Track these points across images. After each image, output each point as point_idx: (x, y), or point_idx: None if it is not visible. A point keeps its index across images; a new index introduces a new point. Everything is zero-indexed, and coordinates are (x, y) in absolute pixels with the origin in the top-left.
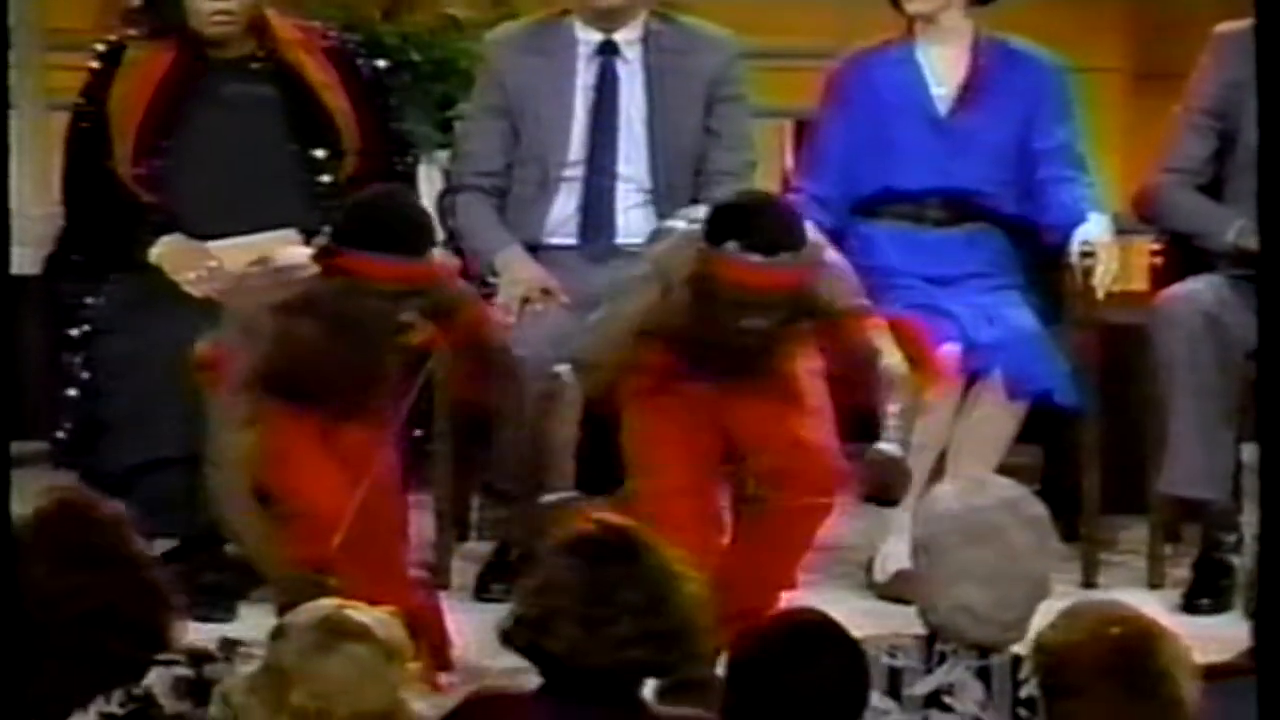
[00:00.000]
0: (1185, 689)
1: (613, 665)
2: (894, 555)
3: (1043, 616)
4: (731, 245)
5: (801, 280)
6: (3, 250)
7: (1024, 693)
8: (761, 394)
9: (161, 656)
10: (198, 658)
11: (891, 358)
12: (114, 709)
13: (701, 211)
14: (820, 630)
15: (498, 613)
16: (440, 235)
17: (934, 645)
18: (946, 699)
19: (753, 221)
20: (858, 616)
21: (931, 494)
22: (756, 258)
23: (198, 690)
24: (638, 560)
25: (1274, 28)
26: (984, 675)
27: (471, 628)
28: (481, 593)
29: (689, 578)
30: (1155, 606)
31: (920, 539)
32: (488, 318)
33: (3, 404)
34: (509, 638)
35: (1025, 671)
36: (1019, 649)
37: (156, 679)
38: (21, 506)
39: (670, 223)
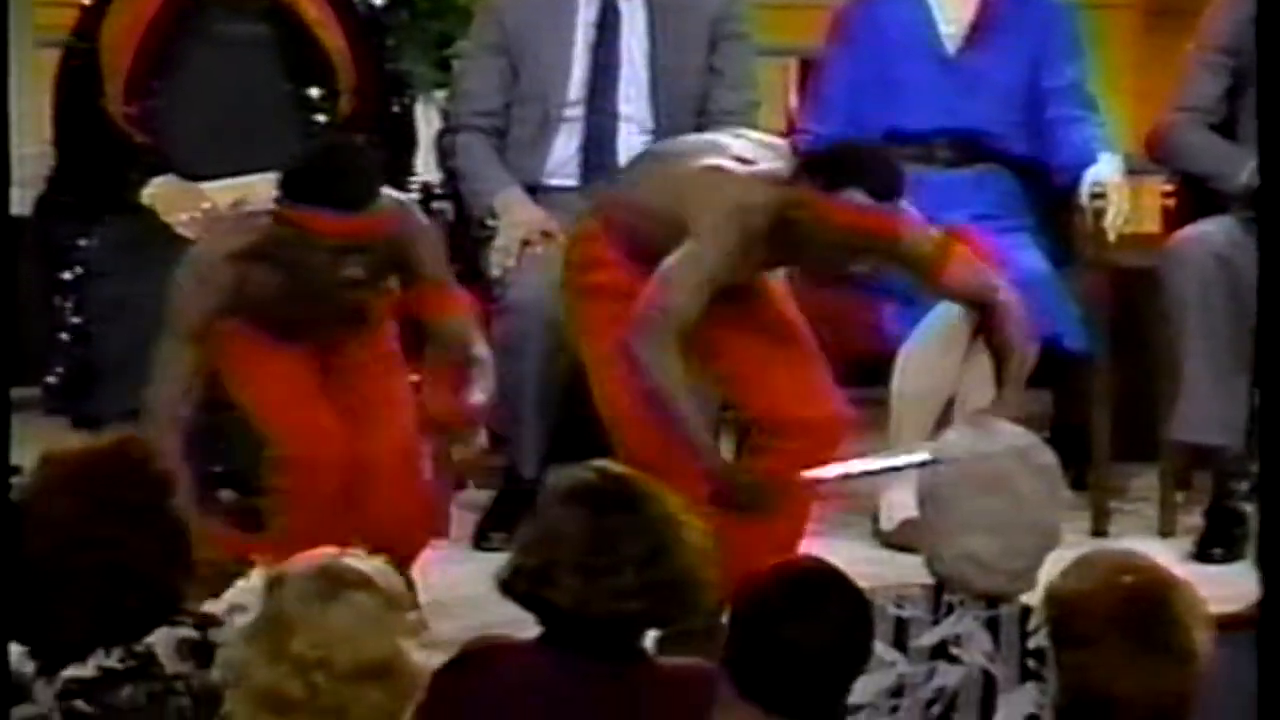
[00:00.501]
0: (1198, 639)
1: (614, 616)
2: (900, 503)
3: (1052, 566)
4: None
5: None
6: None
7: (1032, 644)
8: (754, 337)
9: (169, 617)
10: (204, 620)
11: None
12: (113, 663)
13: None
14: (824, 580)
15: (496, 562)
16: (439, 176)
17: (941, 595)
18: (954, 650)
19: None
20: (863, 565)
21: (939, 441)
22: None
23: (201, 652)
24: (639, 510)
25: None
26: (992, 626)
27: (470, 577)
28: (481, 542)
29: (691, 527)
30: (1166, 555)
31: (927, 487)
32: (455, 303)
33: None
34: (509, 587)
35: (1034, 622)
36: (1027, 599)
37: (159, 638)
38: (15, 454)
39: None
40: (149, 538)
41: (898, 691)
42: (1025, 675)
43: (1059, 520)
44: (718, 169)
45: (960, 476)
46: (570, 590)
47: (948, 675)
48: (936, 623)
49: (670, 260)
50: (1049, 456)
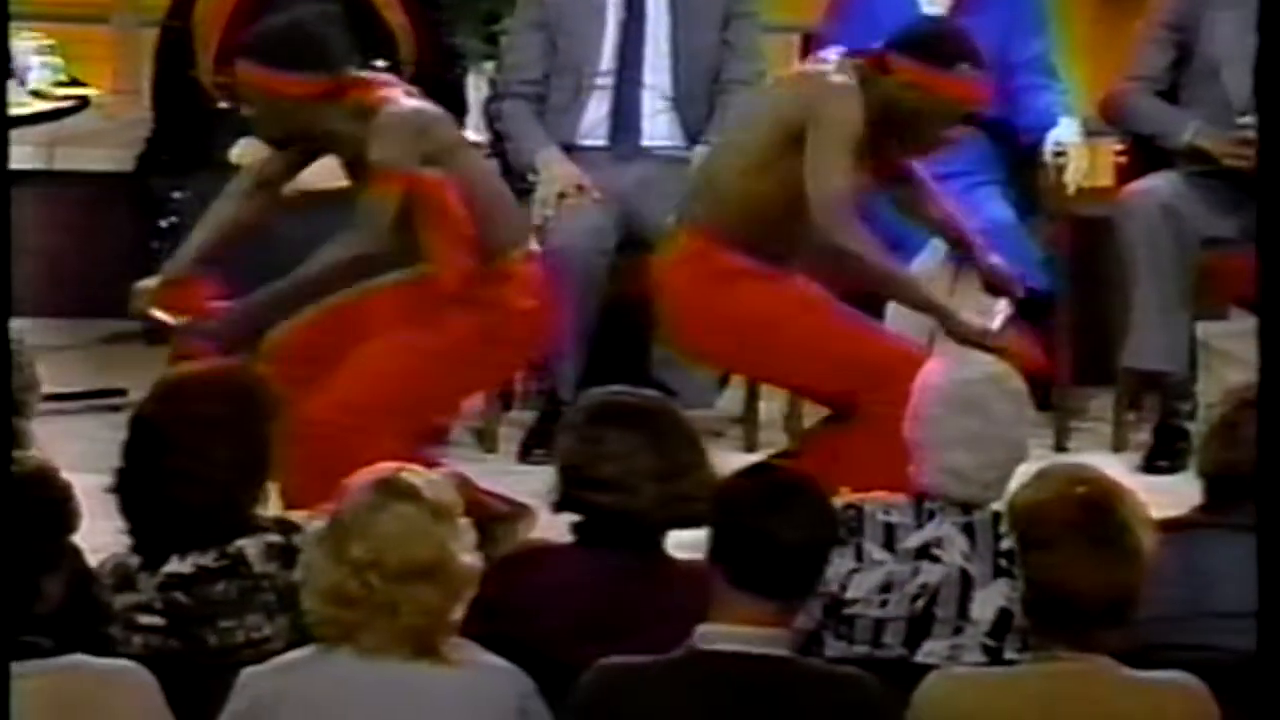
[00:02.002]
0: (1143, 540)
1: (639, 516)
2: None
3: (1019, 477)
4: None
5: None
6: (3, 205)
7: (1004, 545)
8: None
9: (257, 524)
10: (288, 527)
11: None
12: (208, 562)
13: None
14: (794, 482)
15: (538, 474)
16: (485, 135)
17: (923, 504)
18: (935, 551)
19: None
20: None
21: (923, 370)
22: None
23: (285, 555)
24: (661, 428)
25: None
26: (968, 530)
27: (516, 486)
28: (525, 456)
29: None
30: (1118, 468)
31: (912, 409)
32: (378, 185)
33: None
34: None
35: (1004, 526)
36: (998, 506)
37: (249, 543)
38: (121, 379)
39: None
40: (231, 451)
41: (887, 587)
42: (998, 573)
43: (1027, 438)
44: (819, 73)
45: (941, 399)
46: (607, 495)
47: (930, 573)
48: (920, 527)
49: (809, 162)
50: (1018, 382)
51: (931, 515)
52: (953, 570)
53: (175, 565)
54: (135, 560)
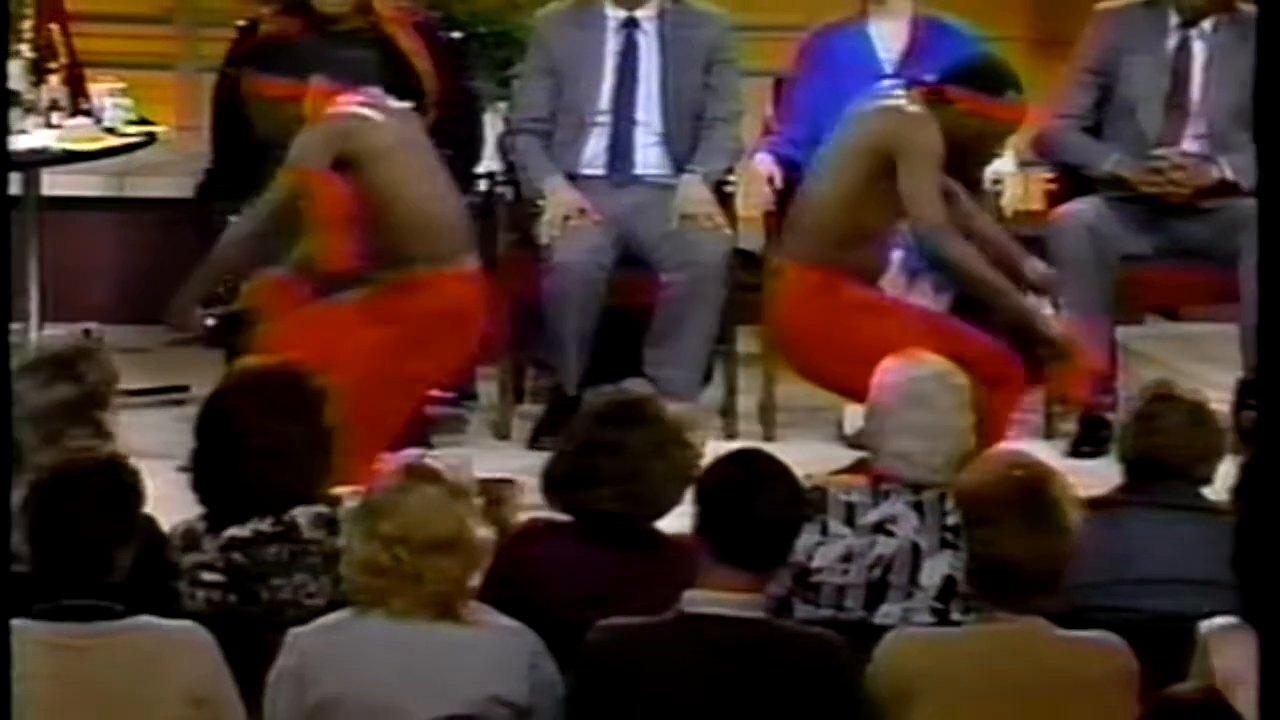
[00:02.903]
0: (1072, 517)
1: (623, 507)
2: (856, 415)
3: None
4: None
5: None
6: (3, 218)
7: (948, 521)
8: None
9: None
10: (332, 500)
11: None
12: (265, 527)
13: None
14: (769, 464)
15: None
16: (501, 167)
17: (879, 485)
18: (889, 526)
19: None
20: (830, 459)
21: (880, 369)
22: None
23: (330, 524)
24: (649, 424)
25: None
26: (918, 508)
27: (526, 470)
28: (534, 444)
29: (690, 438)
30: (1049, 454)
31: (871, 402)
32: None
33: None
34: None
35: (949, 505)
36: (945, 488)
37: (300, 512)
38: (185, 378)
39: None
40: (299, 432)
41: (848, 558)
42: (944, 545)
43: (969, 427)
44: (897, 107)
45: (894, 394)
46: (597, 493)
47: (885, 546)
48: (876, 506)
49: (908, 189)
50: (962, 379)
51: (886, 495)
52: (905, 543)
53: (236, 530)
54: (202, 525)
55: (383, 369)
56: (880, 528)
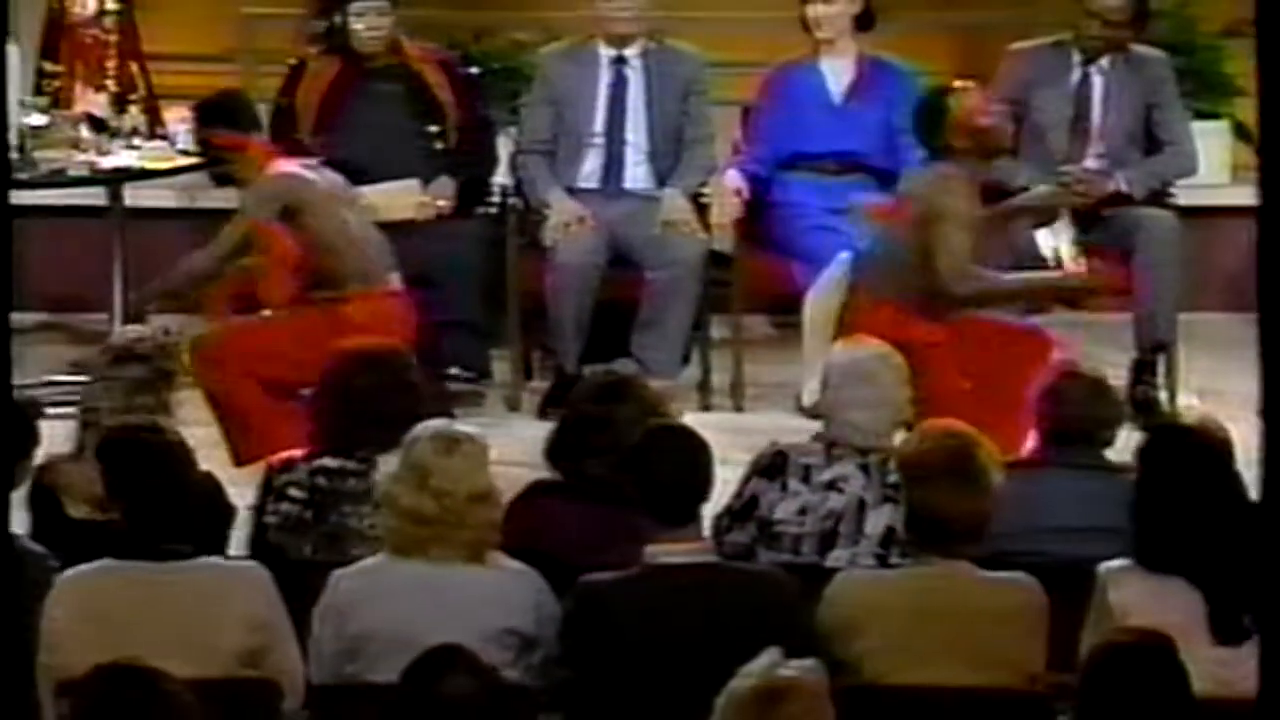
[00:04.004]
0: (995, 478)
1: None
2: (813, 390)
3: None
4: None
5: None
6: (5, 226)
7: (890, 480)
8: None
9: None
10: None
11: None
12: (351, 464)
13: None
14: (682, 433)
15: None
16: (512, 182)
17: (831, 450)
18: (840, 485)
19: None
20: (790, 429)
21: (831, 350)
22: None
23: None
24: (635, 400)
25: (1274, 27)
26: (864, 469)
27: (535, 436)
28: (542, 415)
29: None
30: None
31: (823, 379)
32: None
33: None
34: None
35: (890, 466)
36: (887, 452)
37: (384, 460)
38: None
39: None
40: (396, 399)
41: (803, 511)
42: (886, 500)
43: (907, 401)
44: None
45: (842, 373)
46: (588, 460)
47: (836, 501)
48: (829, 467)
49: (938, 251)
50: (899, 359)
51: (838, 458)
52: (852, 499)
53: (327, 460)
54: (300, 455)
55: (312, 356)
56: (832, 485)
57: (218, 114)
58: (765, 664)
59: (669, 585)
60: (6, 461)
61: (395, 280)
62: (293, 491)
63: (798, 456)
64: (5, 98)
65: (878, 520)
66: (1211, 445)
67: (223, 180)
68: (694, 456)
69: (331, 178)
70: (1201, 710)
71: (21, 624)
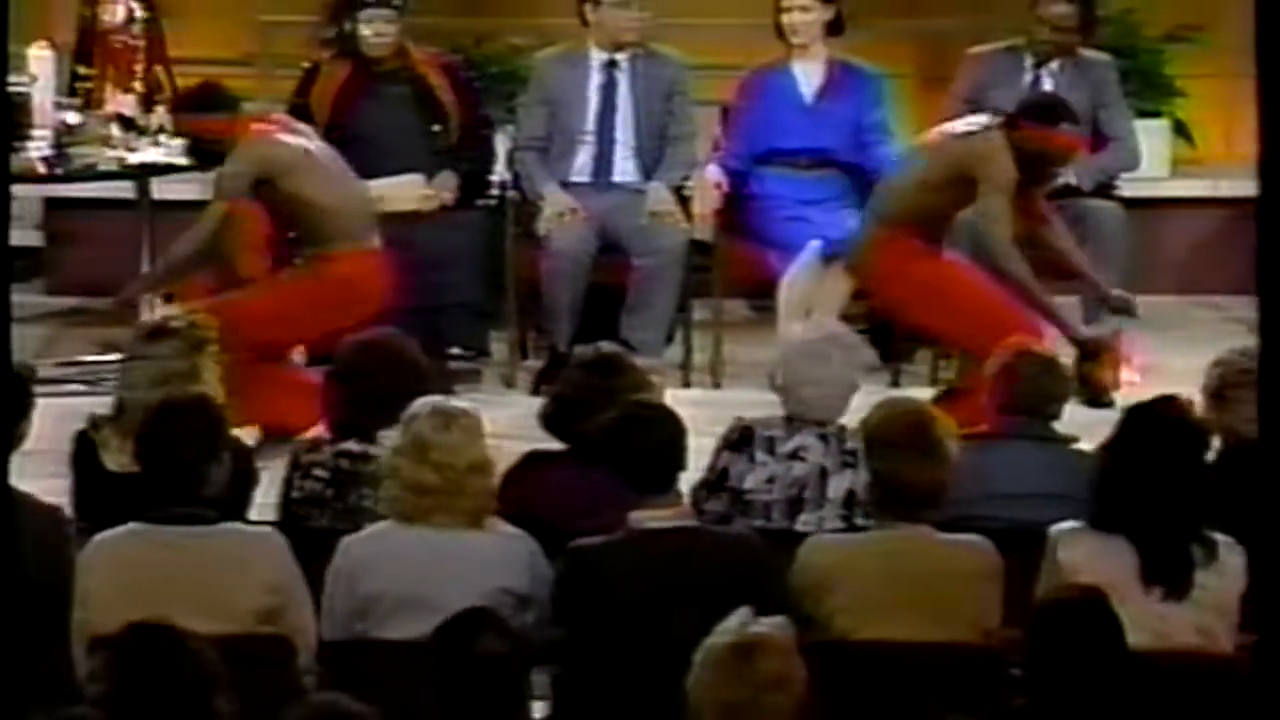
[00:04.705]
0: (950, 448)
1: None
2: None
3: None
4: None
5: None
6: (3, 233)
7: (848, 447)
8: None
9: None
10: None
11: None
12: (372, 449)
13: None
14: (656, 410)
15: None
16: (510, 177)
17: (792, 422)
18: (802, 454)
19: None
20: (765, 403)
21: (788, 332)
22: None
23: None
24: (623, 374)
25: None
26: (823, 439)
27: (528, 411)
28: (536, 391)
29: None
30: (927, 395)
31: (784, 358)
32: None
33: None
34: (547, 421)
35: (848, 436)
36: (843, 422)
37: (386, 435)
38: None
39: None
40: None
41: (771, 480)
42: (844, 466)
43: (858, 378)
44: (985, 135)
45: (797, 352)
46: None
47: (799, 469)
48: (790, 438)
49: (984, 207)
50: (853, 339)
51: (798, 430)
52: (814, 467)
53: (352, 445)
54: (327, 436)
55: (300, 313)
56: (794, 455)
57: (197, 105)
58: (738, 621)
59: (653, 548)
60: (5, 423)
61: (376, 240)
62: (317, 471)
63: (762, 430)
64: (5, 96)
65: (839, 485)
66: (1192, 425)
67: (208, 159)
68: (667, 430)
69: (307, 132)
70: (1140, 661)
71: (30, 577)
